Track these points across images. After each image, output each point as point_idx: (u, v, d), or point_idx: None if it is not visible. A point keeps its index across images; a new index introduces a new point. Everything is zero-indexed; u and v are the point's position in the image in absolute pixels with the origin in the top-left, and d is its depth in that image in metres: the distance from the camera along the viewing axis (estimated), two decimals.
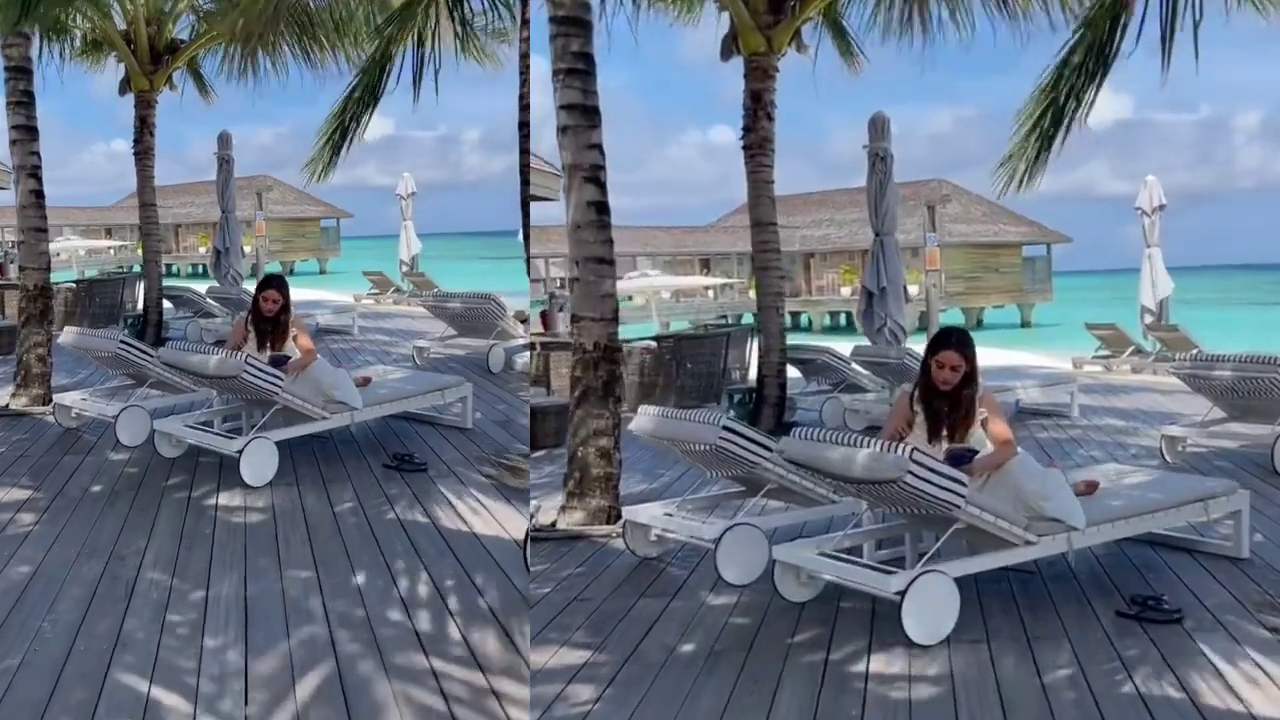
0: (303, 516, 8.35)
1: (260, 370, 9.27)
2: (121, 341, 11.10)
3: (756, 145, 13.68)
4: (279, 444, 9.30)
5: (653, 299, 38.67)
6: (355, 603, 6.58)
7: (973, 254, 44.06)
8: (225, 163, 19.77)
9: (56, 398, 11.95)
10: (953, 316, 43.07)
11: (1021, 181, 9.84)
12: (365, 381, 10.43)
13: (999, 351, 29.07)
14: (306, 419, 9.62)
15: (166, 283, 23.08)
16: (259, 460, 9.08)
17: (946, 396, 6.75)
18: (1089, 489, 7.29)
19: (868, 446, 6.32)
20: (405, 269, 27.87)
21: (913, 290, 34.13)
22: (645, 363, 16.51)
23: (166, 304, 19.07)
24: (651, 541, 8.07)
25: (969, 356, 6.74)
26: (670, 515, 8.04)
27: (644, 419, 8.23)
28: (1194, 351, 11.31)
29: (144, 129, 17.94)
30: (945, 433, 6.75)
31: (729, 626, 6.63)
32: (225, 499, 8.76)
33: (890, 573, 6.34)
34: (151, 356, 10.77)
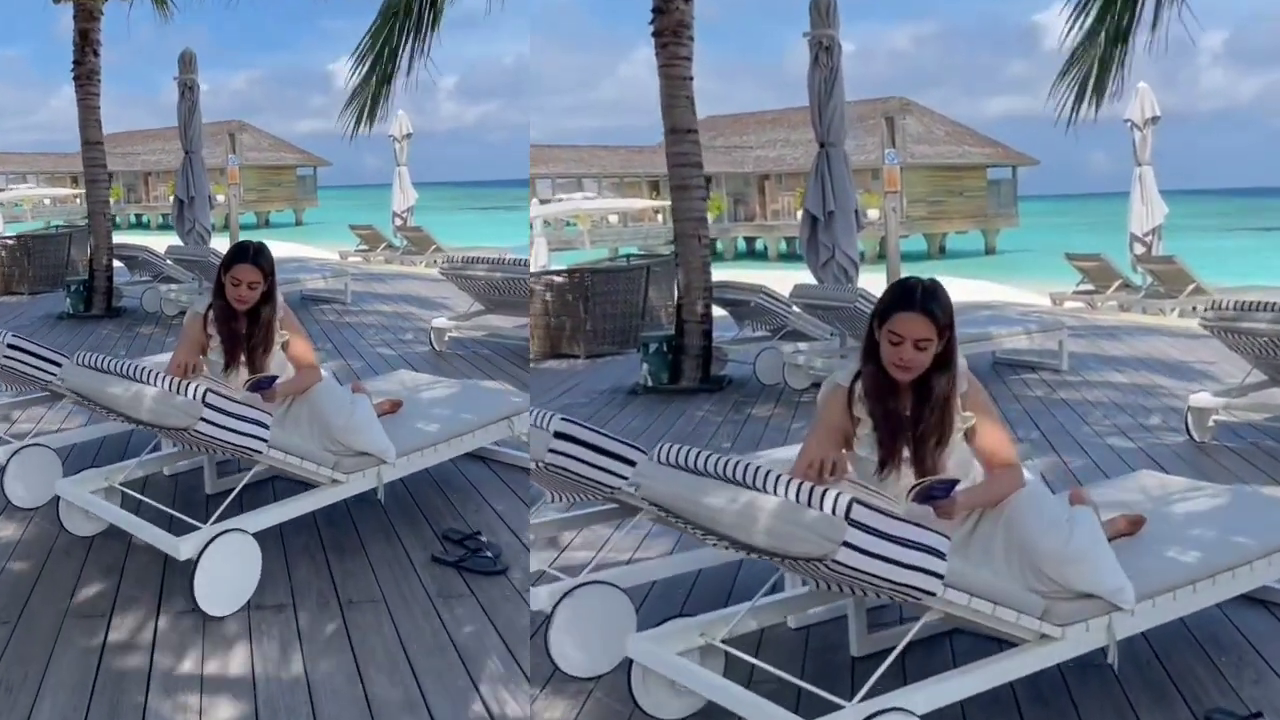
0: (306, 698, 4.37)
1: (230, 413, 5.22)
2: (8, 346, 6.85)
3: (670, 31, 11.00)
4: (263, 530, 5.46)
5: (587, 223, 35.83)
6: None
7: (935, 176, 41.72)
8: (189, 90, 16.00)
9: None
10: (914, 243, 40.86)
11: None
12: (393, 408, 6.51)
13: (965, 282, 26.61)
14: (307, 484, 5.77)
15: (127, 237, 19.89)
16: (226, 571, 5.08)
17: (911, 392, 4.08)
18: (1131, 528, 4.64)
19: (159, 384, 5.19)
20: (399, 222, 24.60)
21: (873, 215, 31.63)
22: (549, 301, 13.79)
23: (119, 265, 15.79)
24: None
25: (944, 324, 4.06)
26: None
27: None
28: (1222, 298, 8.60)
29: (85, 46, 14.83)
30: (909, 453, 4.09)
31: (5, 574, 5.57)
32: (167, 658, 4.66)
33: (192, 527, 5.29)
34: (58, 368, 6.61)
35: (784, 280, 12.67)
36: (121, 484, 6.10)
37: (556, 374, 12.64)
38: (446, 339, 12.10)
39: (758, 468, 3.72)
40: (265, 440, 5.39)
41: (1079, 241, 24.08)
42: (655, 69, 11.28)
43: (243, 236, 21.25)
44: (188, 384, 5.18)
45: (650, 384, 11.29)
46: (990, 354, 11.38)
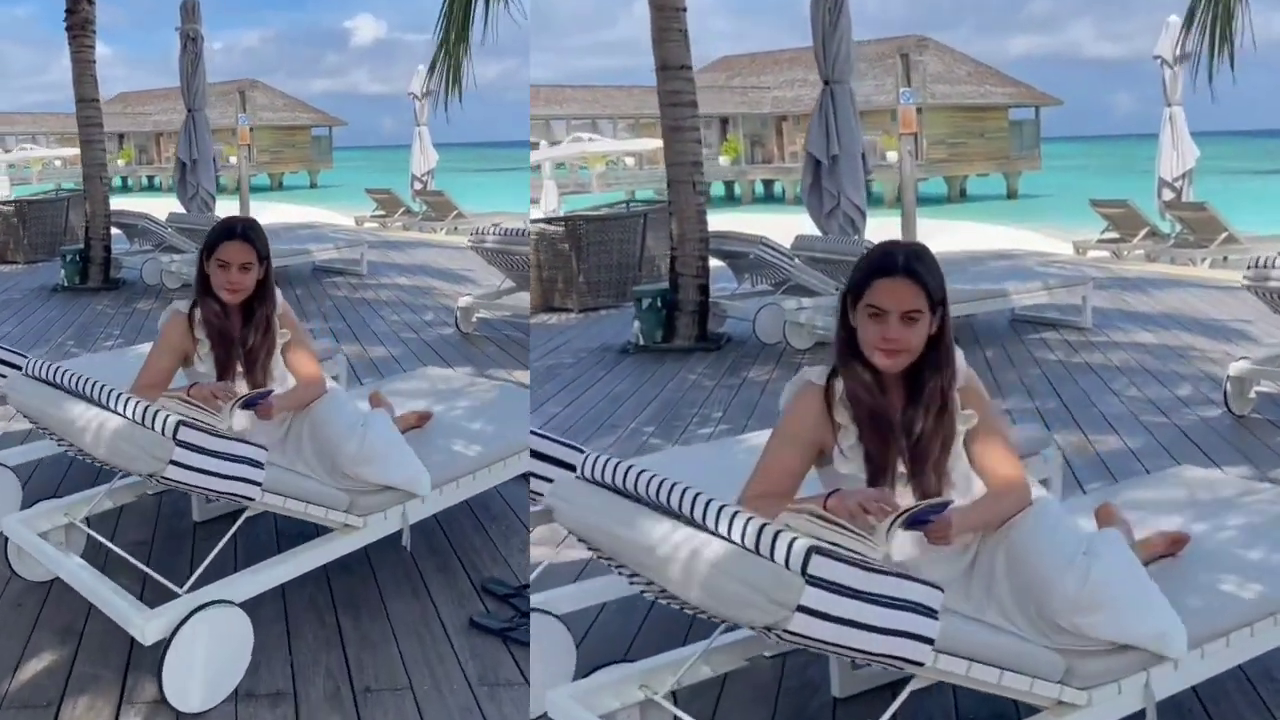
0: None
1: (212, 450, 3.95)
2: None
3: None
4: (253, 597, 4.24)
5: (601, 165, 34.89)
6: None
7: (955, 117, 40.53)
8: (191, 41, 14.70)
9: None
10: (934, 186, 39.89)
11: None
12: (420, 421, 5.23)
13: (985, 228, 25.67)
14: (314, 531, 4.56)
15: (135, 201, 18.70)
16: (206, 655, 3.87)
17: (902, 387, 3.23)
18: (1172, 548, 3.79)
19: (126, 409, 3.93)
20: (418, 186, 23.11)
21: (891, 157, 30.55)
22: (541, 252, 12.93)
23: (117, 233, 14.59)
24: None
25: (936, 295, 3.19)
26: None
27: None
28: (1263, 255, 7.68)
29: None
30: (905, 466, 3.23)
31: None
32: None
33: (172, 592, 4.00)
34: (16, 373, 4.85)
35: (801, 226, 11.77)
36: (86, 518, 4.68)
37: (546, 330, 11.80)
38: (474, 320, 10.75)
39: (708, 501, 2.87)
40: (258, 484, 4.07)
41: (1103, 185, 23.14)
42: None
43: (255, 200, 20.28)
44: (157, 410, 3.89)
45: (642, 342, 10.44)
46: (1008, 311, 10.46)
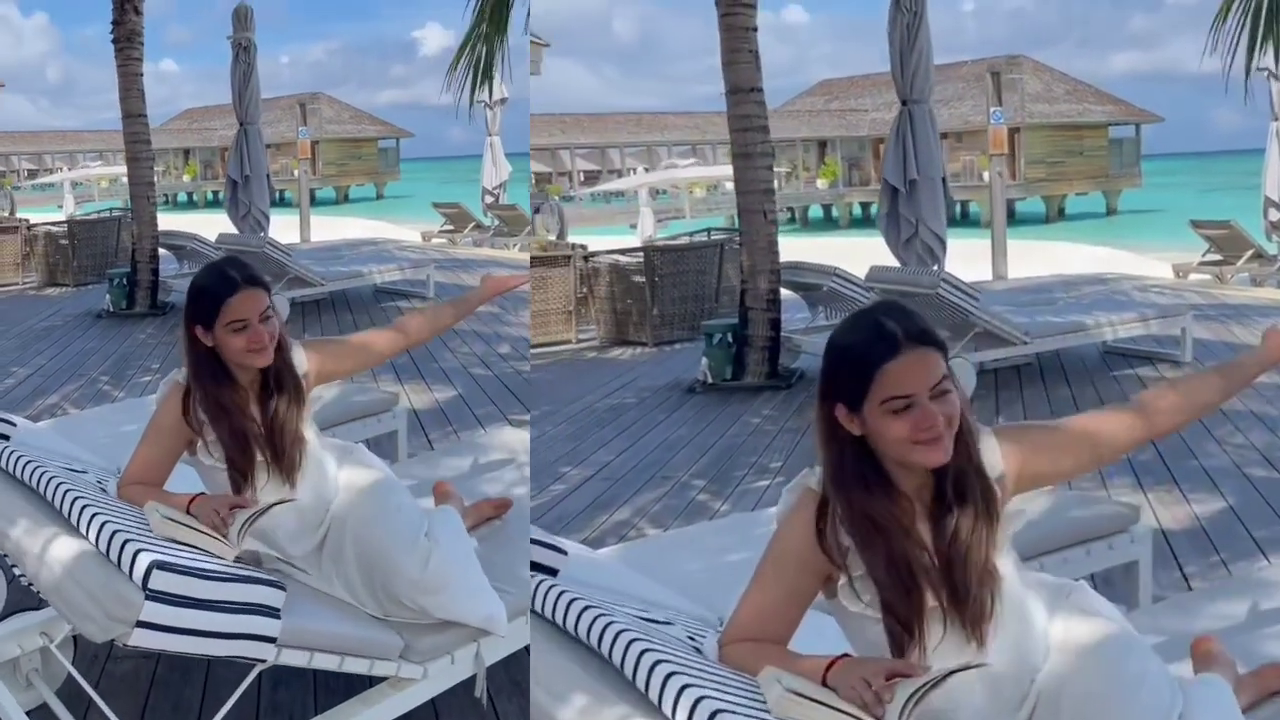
0: None
1: (209, 601, 2.83)
2: None
3: None
4: None
5: (701, 190, 34.16)
6: None
7: (1054, 136, 39.21)
8: (244, 50, 13.40)
9: None
10: (1032, 205, 38.74)
11: None
12: (498, 511, 3.94)
13: (1084, 248, 24.43)
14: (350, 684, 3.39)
15: (190, 219, 17.78)
16: None
17: (921, 499, 2.37)
18: None
19: (94, 538, 2.88)
20: (489, 200, 21.44)
21: (988, 178, 29.48)
22: (614, 284, 12.16)
23: (167, 254, 13.61)
24: None
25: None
26: None
27: None
28: None
29: (125, 4, 12.66)
30: (942, 595, 2.32)
31: None
32: None
33: None
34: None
35: None
36: (74, 637, 3.65)
37: (615, 366, 11.00)
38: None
39: (656, 661, 2.06)
40: (271, 640, 2.90)
41: (1205, 204, 21.87)
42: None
43: (318, 214, 19.51)
44: (126, 539, 2.81)
45: (710, 380, 9.62)
46: (1099, 344, 9.48)
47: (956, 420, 2.32)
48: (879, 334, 2.30)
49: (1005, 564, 2.39)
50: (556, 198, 23.95)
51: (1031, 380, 8.90)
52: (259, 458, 3.27)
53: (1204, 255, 16.38)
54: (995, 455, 2.42)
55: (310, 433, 3.39)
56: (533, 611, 2.59)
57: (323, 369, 3.50)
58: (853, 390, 2.31)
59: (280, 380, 3.32)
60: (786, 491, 2.49)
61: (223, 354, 3.25)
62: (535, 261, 12.91)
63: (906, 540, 2.31)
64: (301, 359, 3.41)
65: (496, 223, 21.59)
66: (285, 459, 3.28)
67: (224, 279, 3.26)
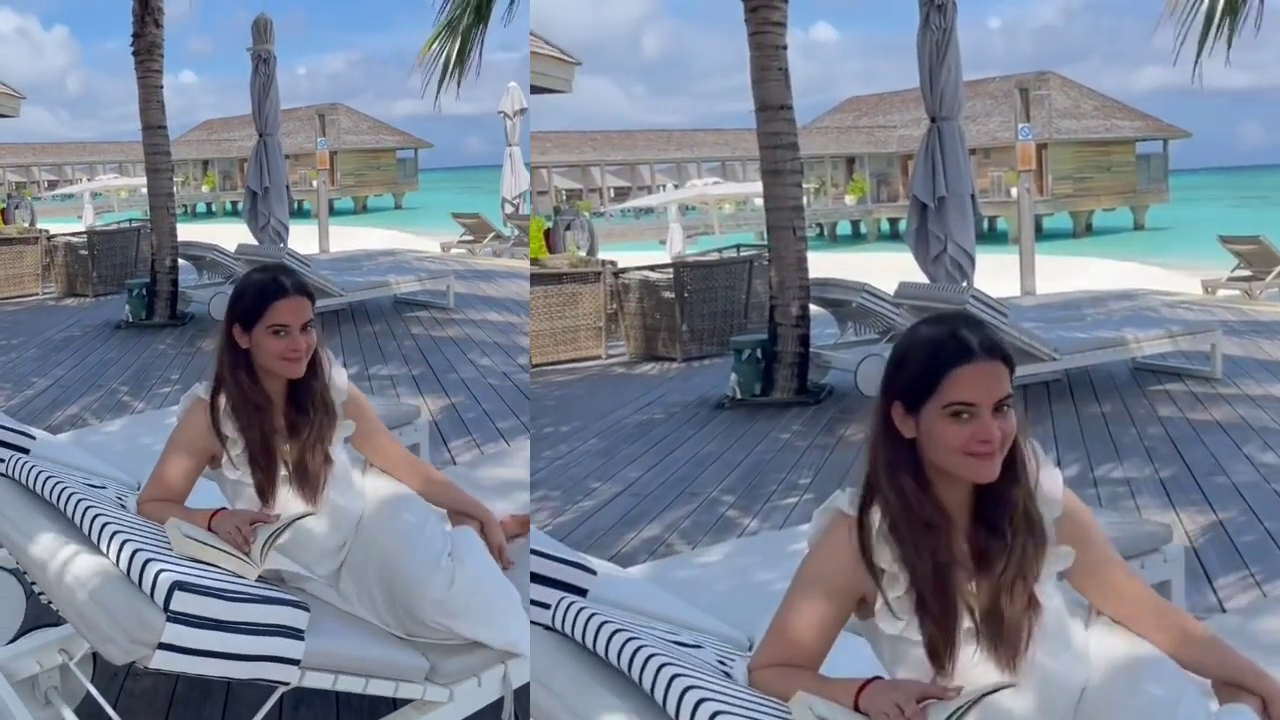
0: None
1: (231, 623, 2.77)
2: None
3: None
4: None
5: (729, 206, 34.19)
6: None
7: (1082, 151, 39.04)
8: (263, 62, 13.32)
9: None
10: (1059, 221, 38.59)
11: None
12: (523, 528, 3.70)
13: (1112, 264, 24.28)
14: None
15: (209, 229, 17.69)
16: None
17: (968, 508, 2.33)
18: None
19: (115, 554, 2.85)
20: (509, 210, 21.22)
21: (1015, 194, 29.36)
22: (644, 300, 12.14)
23: (187, 264, 13.60)
24: None
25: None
26: None
27: None
28: None
29: (145, 15, 12.60)
30: (978, 617, 2.28)
31: None
32: None
33: None
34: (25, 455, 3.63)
35: None
36: (94, 654, 3.55)
37: (644, 381, 10.98)
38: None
39: (686, 688, 2.03)
40: (295, 662, 2.86)
41: (1232, 218, 21.74)
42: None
43: (336, 224, 19.43)
44: (148, 559, 2.77)
45: (739, 395, 9.58)
46: (1129, 360, 9.41)
47: (1010, 441, 2.29)
48: (954, 338, 2.28)
49: (1047, 594, 2.35)
50: (587, 214, 23.87)
51: (1061, 396, 8.83)
52: (282, 471, 3.26)
53: (1233, 270, 16.26)
54: (1056, 488, 2.37)
55: (340, 454, 3.36)
56: (560, 632, 2.56)
57: (358, 416, 3.46)
58: (917, 389, 2.28)
59: (310, 395, 3.30)
60: (817, 514, 2.46)
61: (256, 357, 3.24)
62: (566, 278, 12.86)
63: (949, 551, 2.28)
64: (342, 381, 3.40)
65: (516, 233, 21.56)
66: (310, 475, 3.27)
67: (275, 282, 3.27)
